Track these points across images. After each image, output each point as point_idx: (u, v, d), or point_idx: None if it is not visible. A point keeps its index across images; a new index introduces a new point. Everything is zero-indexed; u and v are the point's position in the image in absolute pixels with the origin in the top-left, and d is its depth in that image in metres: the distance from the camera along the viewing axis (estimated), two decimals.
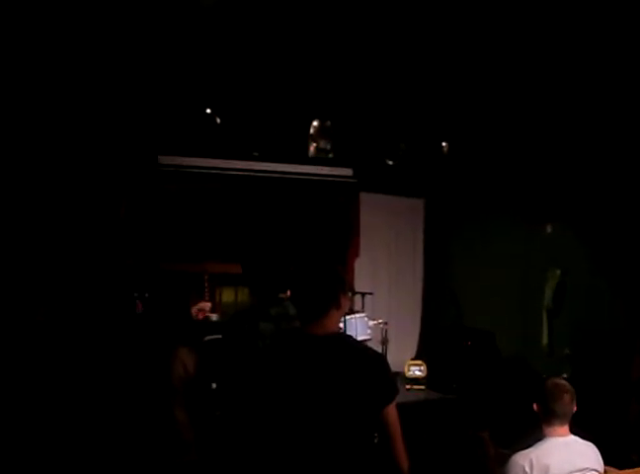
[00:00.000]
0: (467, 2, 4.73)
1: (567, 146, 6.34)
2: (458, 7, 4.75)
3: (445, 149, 6.97)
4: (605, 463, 3.74)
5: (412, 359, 6.77)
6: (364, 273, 7.51)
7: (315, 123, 6.43)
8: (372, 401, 2.80)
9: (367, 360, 2.88)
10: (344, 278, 2.98)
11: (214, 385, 4.67)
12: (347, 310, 3.02)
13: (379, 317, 6.78)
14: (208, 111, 6.18)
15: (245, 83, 5.96)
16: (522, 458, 3.60)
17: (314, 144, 6.51)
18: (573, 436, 3.70)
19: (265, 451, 2.82)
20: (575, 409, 3.68)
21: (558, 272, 6.64)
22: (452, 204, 7.75)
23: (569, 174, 6.43)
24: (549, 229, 6.94)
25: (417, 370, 6.49)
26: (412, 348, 7.78)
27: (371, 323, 6.61)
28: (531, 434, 3.73)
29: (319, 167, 6.88)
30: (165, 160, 6.37)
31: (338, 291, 2.90)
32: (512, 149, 6.80)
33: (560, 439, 3.65)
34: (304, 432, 2.77)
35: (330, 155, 6.60)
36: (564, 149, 6.38)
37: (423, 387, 6.39)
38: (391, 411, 2.85)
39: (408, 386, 6.36)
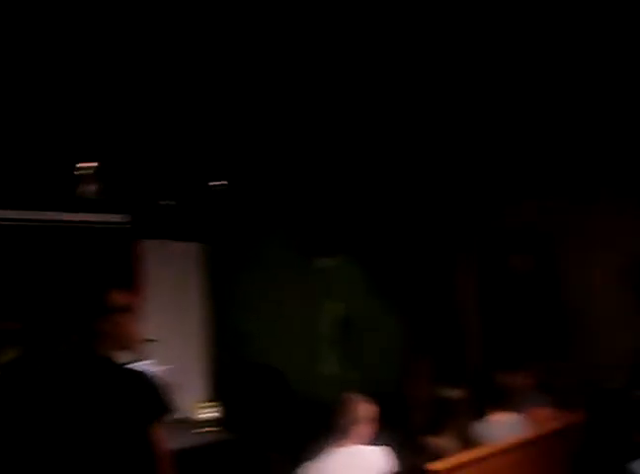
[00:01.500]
0: None
1: (339, 180, 6.61)
2: None
3: (220, 189, 6.97)
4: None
5: (202, 402, 6.63)
6: (149, 319, 7.28)
7: (82, 165, 6.15)
8: (136, 418, 2.69)
9: (131, 379, 2.79)
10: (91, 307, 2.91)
11: None
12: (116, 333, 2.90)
13: (166, 363, 6.61)
14: None
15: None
16: (306, 470, 3.70)
17: (83, 189, 6.24)
18: (358, 446, 3.84)
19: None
20: (358, 422, 3.80)
21: (339, 304, 6.87)
22: (233, 245, 7.77)
23: (348, 208, 6.70)
24: (329, 263, 7.17)
25: (207, 413, 6.37)
26: (202, 391, 7.63)
27: (157, 370, 6.42)
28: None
29: (88, 214, 6.61)
30: None
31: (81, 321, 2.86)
32: (290, 186, 6.98)
33: (343, 449, 3.77)
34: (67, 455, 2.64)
35: (101, 199, 6.36)
36: (337, 183, 6.65)
37: (215, 429, 6.27)
38: (157, 430, 2.74)
39: (199, 430, 6.21)
